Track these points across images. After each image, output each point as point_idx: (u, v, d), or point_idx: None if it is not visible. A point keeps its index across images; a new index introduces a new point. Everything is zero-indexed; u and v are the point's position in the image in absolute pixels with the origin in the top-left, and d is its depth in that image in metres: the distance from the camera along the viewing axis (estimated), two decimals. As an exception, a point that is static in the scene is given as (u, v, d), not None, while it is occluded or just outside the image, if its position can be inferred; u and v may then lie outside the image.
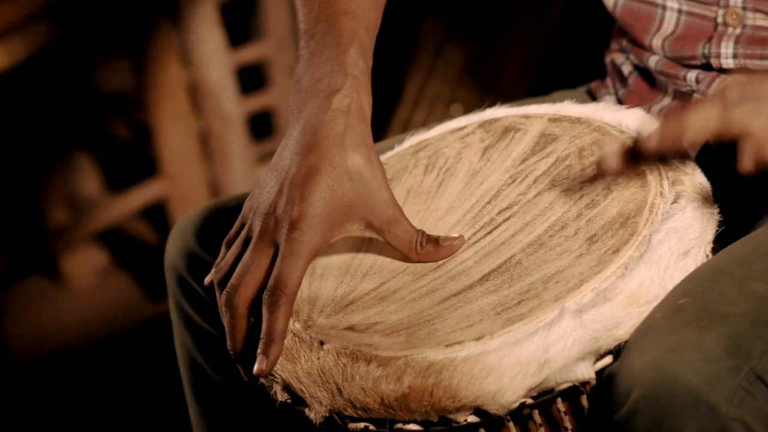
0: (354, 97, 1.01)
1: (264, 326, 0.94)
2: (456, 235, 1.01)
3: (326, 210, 0.97)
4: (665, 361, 0.86)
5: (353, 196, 0.98)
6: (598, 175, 1.00)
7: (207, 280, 1.02)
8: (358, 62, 1.03)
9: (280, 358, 0.95)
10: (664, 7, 1.18)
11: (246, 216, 1.00)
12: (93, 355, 2.39)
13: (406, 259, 1.02)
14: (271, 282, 0.95)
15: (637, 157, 0.97)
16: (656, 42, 1.19)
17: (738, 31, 1.14)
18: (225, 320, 0.97)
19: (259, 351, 0.94)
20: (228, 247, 1.01)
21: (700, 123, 0.93)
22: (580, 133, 1.09)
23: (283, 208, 0.97)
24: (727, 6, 1.14)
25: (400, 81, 2.02)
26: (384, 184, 1.00)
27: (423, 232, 1.01)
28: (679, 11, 1.17)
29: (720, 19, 1.14)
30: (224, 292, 0.97)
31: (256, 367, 0.94)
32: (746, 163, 0.91)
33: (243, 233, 0.99)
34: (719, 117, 0.92)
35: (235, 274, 0.97)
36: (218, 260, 1.01)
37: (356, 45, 1.04)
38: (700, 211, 0.97)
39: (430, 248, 1.01)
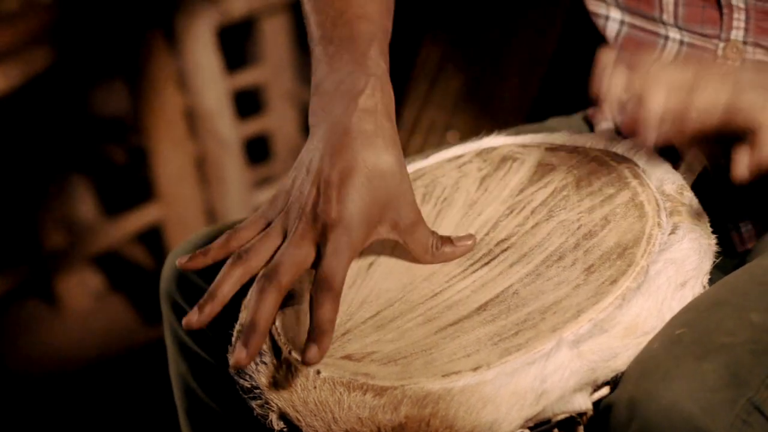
0: (379, 97, 1.01)
1: (316, 319, 0.92)
2: (467, 234, 1.03)
3: (364, 210, 0.97)
4: (664, 391, 0.86)
5: (386, 196, 0.99)
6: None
7: (213, 256, 1.02)
8: (380, 63, 1.04)
9: (277, 387, 0.95)
10: (666, 38, 1.17)
11: (274, 212, 1.00)
12: (87, 378, 2.38)
13: (419, 262, 1.03)
14: (318, 278, 0.94)
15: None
16: None
17: (737, 64, 1.13)
18: (255, 300, 0.94)
19: (309, 341, 0.92)
20: (237, 236, 1.00)
21: (709, 103, 0.92)
22: (577, 163, 1.09)
23: (323, 208, 0.97)
24: (728, 40, 1.13)
25: (397, 108, 2.02)
26: (410, 186, 1.01)
27: (437, 235, 1.02)
28: (681, 42, 1.16)
29: (720, 53, 1.14)
30: (262, 276, 0.95)
31: (308, 354, 0.91)
32: (741, 167, 0.91)
33: (276, 225, 0.98)
34: (728, 99, 0.92)
35: (274, 261, 0.96)
36: (235, 240, 1.00)
37: (376, 46, 1.05)
38: (698, 242, 0.97)
39: (446, 249, 1.02)
